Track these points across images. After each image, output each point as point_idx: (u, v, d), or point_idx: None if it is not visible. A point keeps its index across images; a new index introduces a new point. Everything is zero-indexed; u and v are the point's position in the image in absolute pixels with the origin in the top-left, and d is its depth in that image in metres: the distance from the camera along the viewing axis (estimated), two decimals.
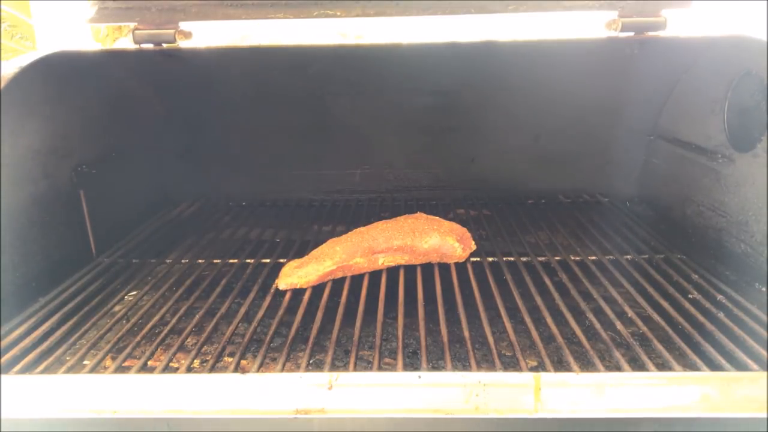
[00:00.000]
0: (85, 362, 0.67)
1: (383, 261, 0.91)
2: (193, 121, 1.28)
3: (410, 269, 0.92)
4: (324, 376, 0.58)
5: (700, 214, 1.01)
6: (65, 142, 0.96)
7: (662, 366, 0.63)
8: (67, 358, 0.69)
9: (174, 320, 0.78)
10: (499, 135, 1.30)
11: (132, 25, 0.95)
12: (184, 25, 0.96)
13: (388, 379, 0.58)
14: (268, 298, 0.83)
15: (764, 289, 0.81)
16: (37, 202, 0.88)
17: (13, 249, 0.82)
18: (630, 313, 0.76)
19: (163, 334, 0.73)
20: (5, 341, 0.72)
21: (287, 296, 0.84)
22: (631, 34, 0.95)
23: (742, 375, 0.58)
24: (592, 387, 0.57)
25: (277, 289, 0.87)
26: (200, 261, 1.00)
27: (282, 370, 0.63)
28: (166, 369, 0.66)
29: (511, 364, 0.64)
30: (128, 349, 0.69)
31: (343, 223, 1.17)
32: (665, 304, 0.78)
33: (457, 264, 0.93)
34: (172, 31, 0.95)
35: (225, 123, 1.29)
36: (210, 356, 0.68)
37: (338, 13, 0.93)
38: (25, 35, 2.19)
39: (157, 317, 0.79)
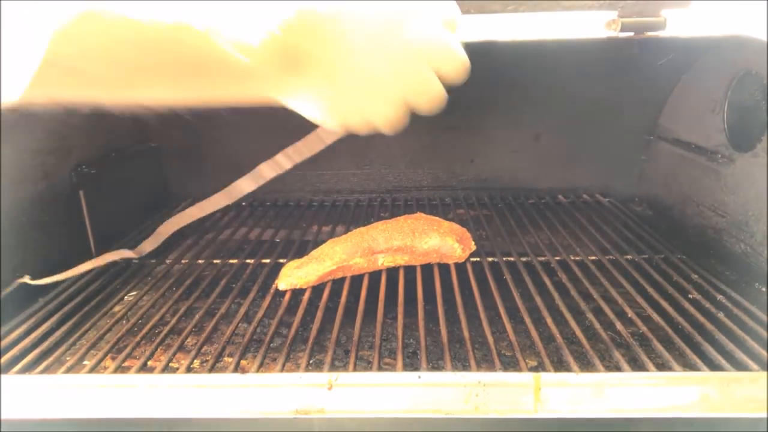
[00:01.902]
0: (85, 362, 0.67)
1: (383, 261, 0.91)
2: (193, 120, 1.29)
3: (410, 269, 0.92)
4: (324, 376, 0.58)
5: (700, 214, 1.01)
6: (65, 142, 0.96)
7: (662, 366, 0.63)
8: (67, 358, 0.69)
9: (174, 320, 0.78)
10: (499, 135, 1.30)
11: None
12: None
13: (388, 379, 0.58)
14: (268, 298, 0.83)
15: (764, 289, 0.81)
16: (37, 202, 0.88)
17: (13, 249, 0.82)
18: (630, 313, 0.76)
19: (163, 334, 0.73)
20: (5, 341, 0.72)
21: (287, 296, 0.84)
22: (631, 34, 0.95)
23: (742, 375, 0.58)
24: (592, 387, 0.57)
25: (276, 290, 0.87)
26: (200, 261, 1.00)
27: (282, 370, 0.63)
28: (166, 369, 0.66)
29: (511, 364, 0.64)
30: (128, 349, 0.69)
31: (343, 223, 1.17)
32: (665, 304, 0.78)
33: (456, 264, 0.93)
34: None
35: (225, 122, 1.29)
36: (210, 356, 0.68)
37: None
38: None
39: (156, 317, 0.79)
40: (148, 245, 0.86)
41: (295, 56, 0.41)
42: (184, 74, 0.38)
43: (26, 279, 0.85)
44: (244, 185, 0.68)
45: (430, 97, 0.47)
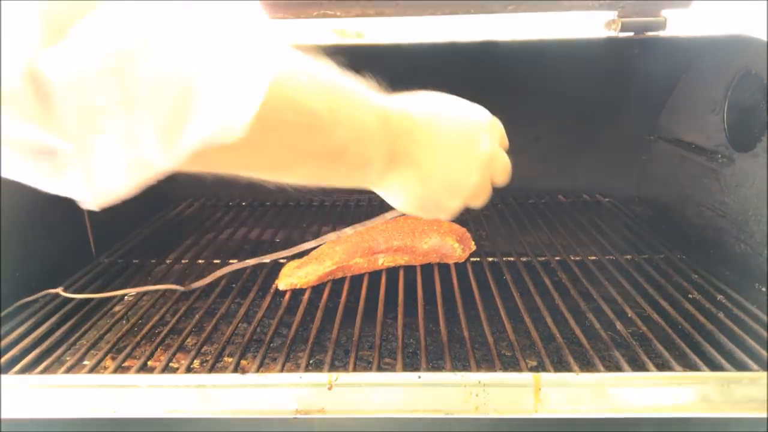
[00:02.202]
0: (85, 362, 0.67)
1: (383, 261, 0.91)
2: None
3: (410, 269, 0.92)
4: (324, 376, 0.58)
5: (700, 214, 1.01)
6: None
7: (662, 366, 0.63)
8: (67, 358, 0.69)
9: (174, 320, 0.78)
10: None
11: None
12: None
13: (388, 379, 0.58)
14: (268, 298, 0.83)
15: (764, 289, 0.81)
16: (37, 202, 0.88)
17: (12, 249, 0.82)
18: (630, 313, 0.76)
19: (162, 334, 0.73)
20: (5, 341, 0.72)
21: (287, 296, 0.84)
22: (631, 34, 0.95)
23: (742, 375, 0.58)
24: (592, 387, 0.57)
25: (276, 289, 0.87)
26: (200, 261, 1.00)
27: (282, 370, 0.63)
28: (166, 369, 0.66)
29: (510, 364, 0.64)
30: (128, 349, 0.69)
31: (343, 224, 1.17)
32: (665, 304, 0.78)
33: (456, 264, 0.93)
34: None
35: None
36: (210, 356, 0.68)
37: (338, 13, 0.94)
38: None
39: (156, 317, 0.79)
40: (198, 283, 0.86)
41: (397, 152, 0.50)
42: (326, 160, 0.44)
43: (59, 290, 0.85)
44: (307, 244, 0.83)
45: (485, 197, 0.60)
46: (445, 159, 0.52)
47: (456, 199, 0.56)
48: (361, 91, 0.46)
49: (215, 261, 1.00)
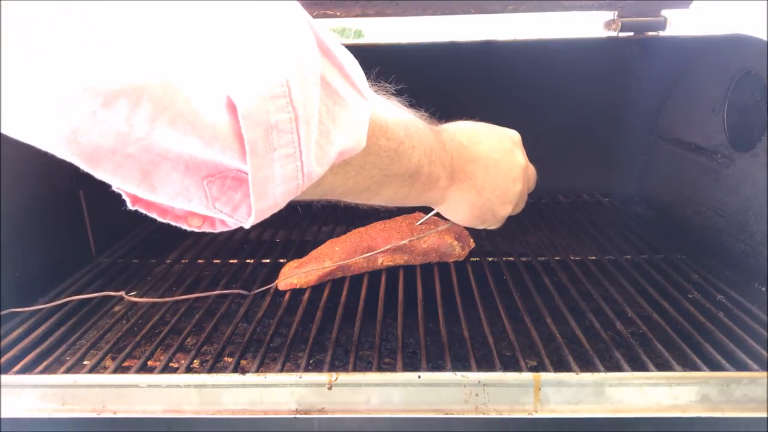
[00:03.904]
0: (84, 362, 0.67)
1: (383, 261, 0.91)
2: None
3: (409, 269, 0.92)
4: (323, 376, 0.58)
5: (700, 214, 1.01)
6: None
7: (662, 366, 0.63)
8: (67, 358, 0.69)
9: (174, 320, 0.78)
10: None
11: None
12: None
13: (388, 379, 0.58)
14: (268, 298, 0.83)
15: (764, 289, 0.81)
16: (37, 202, 0.88)
17: (12, 249, 0.82)
18: (630, 313, 0.76)
19: (162, 334, 0.73)
20: (5, 341, 0.72)
21: (287, 296, 0.84)
22: (631, 34, 0.95)
23: (742, 375, 0.58)
24: (592, 386, 0.57)
25: (276, 289, 0.87)
26: (200, 261, 1.00)
27: (282, 370, 0.63)
28: (166, 369, 0.66)
29: (510, 364, 0.64)
30: (128, 349, 0.69)
31: (343, 223, 1.17)
32: (665, 304, 0.78)
33: (456, 264, 0.93)
34: None
35: None
36: (210, 356, 0.68)
37: (338, 13, 0.94)
38: None
39: (156, 317, 0.79)
40: (262, 288, 0.86)
41: (455, 170, 0.56)
42: (407, 180, 0.50)
43: (122, 294, 0.86)
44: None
45: (524, 204, 0.67)
46: (494, 172, 0.59)
47: (506, 205, 0.62)
48: (420, 119, 0.52)
49: (215, 261, 1.00)
